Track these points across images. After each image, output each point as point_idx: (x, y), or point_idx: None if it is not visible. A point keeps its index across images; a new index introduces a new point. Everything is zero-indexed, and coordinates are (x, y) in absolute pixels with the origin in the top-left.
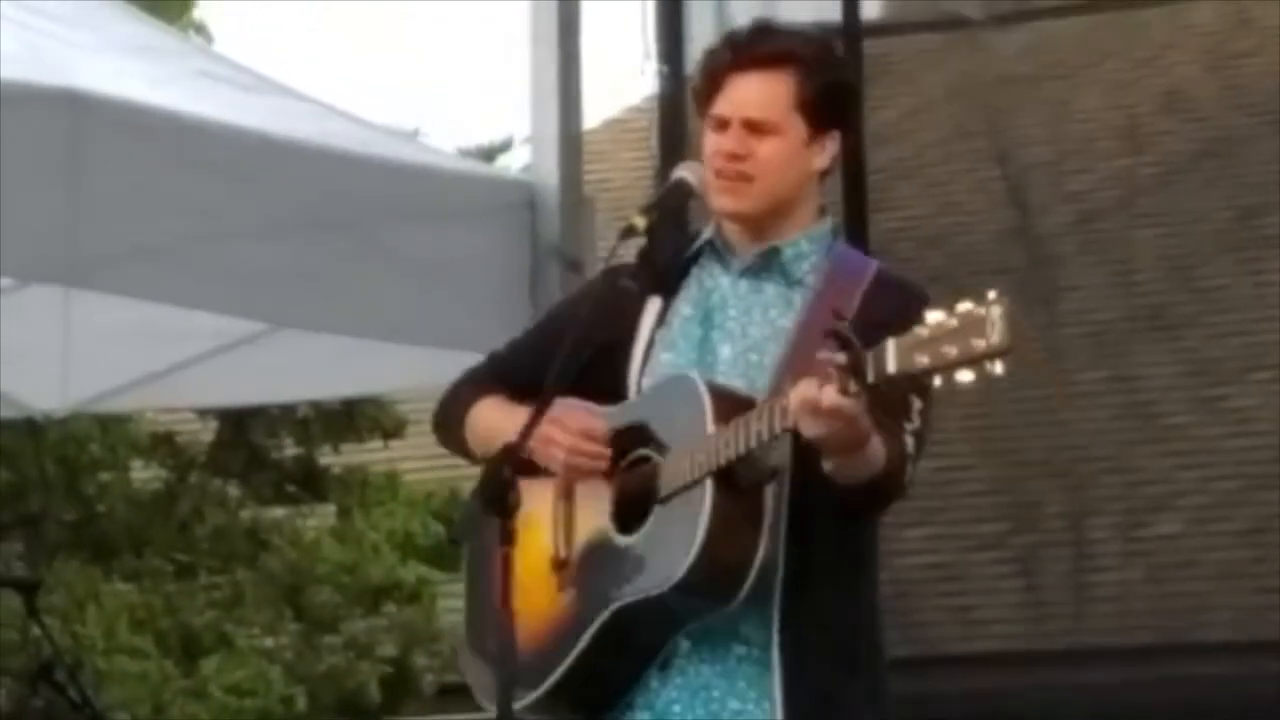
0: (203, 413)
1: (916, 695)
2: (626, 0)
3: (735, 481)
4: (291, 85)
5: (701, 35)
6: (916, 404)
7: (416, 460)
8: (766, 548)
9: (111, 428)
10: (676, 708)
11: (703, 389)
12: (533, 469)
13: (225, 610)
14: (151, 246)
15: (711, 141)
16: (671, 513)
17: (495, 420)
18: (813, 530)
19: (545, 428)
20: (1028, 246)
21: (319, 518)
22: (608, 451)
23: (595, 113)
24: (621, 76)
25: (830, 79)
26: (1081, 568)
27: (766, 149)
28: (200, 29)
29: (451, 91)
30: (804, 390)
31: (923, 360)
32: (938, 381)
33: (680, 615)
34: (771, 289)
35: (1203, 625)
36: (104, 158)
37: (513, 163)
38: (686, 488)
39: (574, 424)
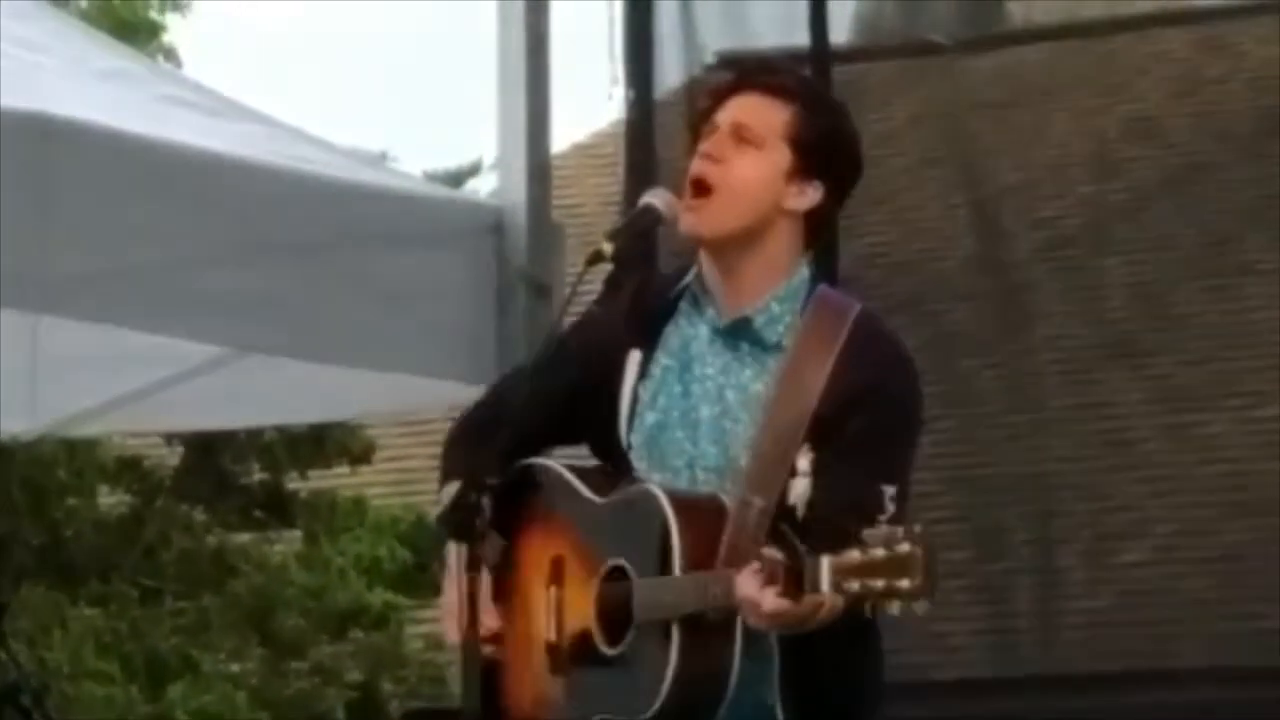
0: (169, 438)
1: None
2: (594, 24)
3: (703, 619)
4: (259, 110)
5: (670, 59)
6: (889, 491)
7: (383, 485)
8: (741, 657)
9: (78, 452)
10: None
11: (669, 514)
12: (519, 516)
13: (191, 635)
14: (119, 271)
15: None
16: (646, 640)
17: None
18: None
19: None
20: (997, 273)
21: (286, 543)
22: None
23: (563, 137)
24: (589, 102)
25: (829, 127)
26: (1050, 595)
27: (742, 161)
28: (169, 54)
29: (419, 116)
30: (745, 589)
31: (853, 587)
32: (867, 608)
33: None
34: (746, 349)
35: (1172, 653)
36: (72, 182)
37: (481, 187)
38: (656, 623)
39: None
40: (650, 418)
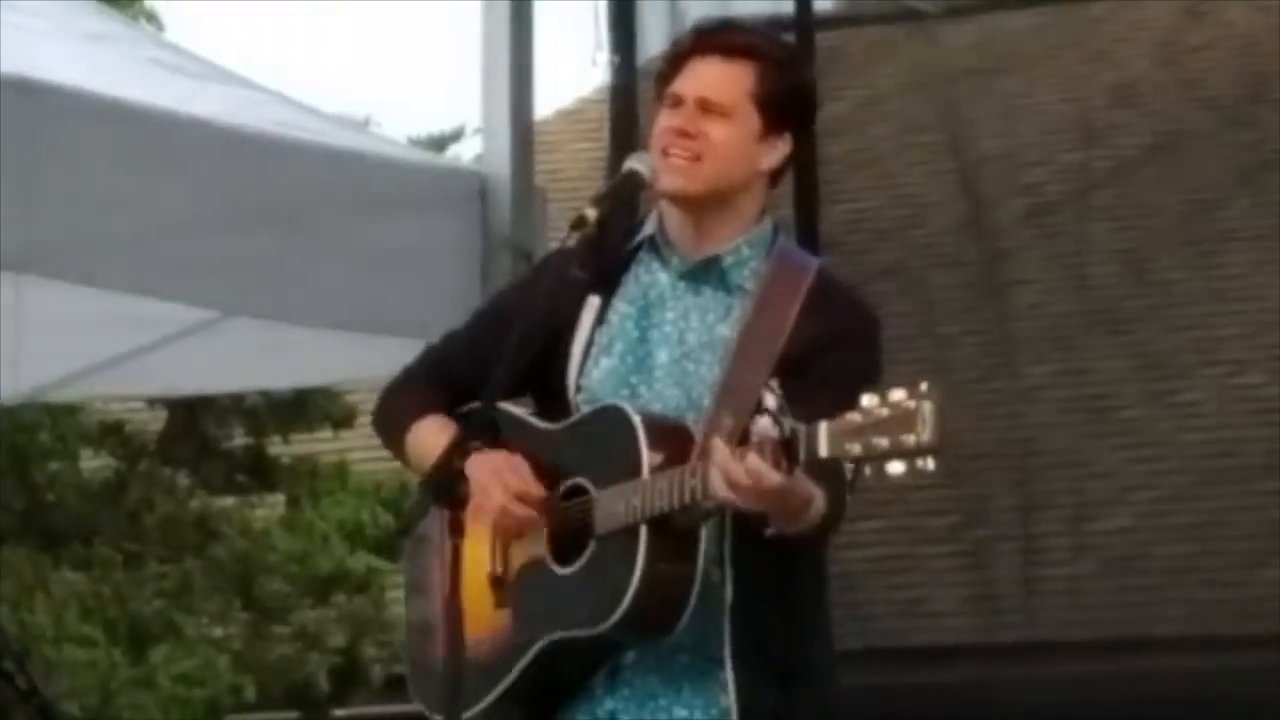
0: (152, 402)
1: (866, 688)
2: None
3: (670, 525)
4: (242, 74)
5: (654, 25)
6: None
7: (366, 450)
8: (704, 575)
9: (61, 416)
10: (623, 718)
11: (638, 426)
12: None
13: (174, 599)
14: (102, 235)
15: (663, 119)
16: (607, 550)
17: (436, 446)
18: (759, 552)
19: (486, 477)
20: (980, 239)
21: (268, 507)
22: (538, 518)
23: (547, 103)
24: (574, 67)
25: (791, 81)
26: (1032, 561)
27: (718, 131)
28: (151, 17)
29: (403, 81)
30: (728, 469)
31: (854, 449)
32: (868, 471)
33: (616, 644)
34: (709, 293)
35: (1153, 619)
36: (55, 145)
37: (464, 152)
38: (622, 529)
39: (514, 483)
40: (605, 363)
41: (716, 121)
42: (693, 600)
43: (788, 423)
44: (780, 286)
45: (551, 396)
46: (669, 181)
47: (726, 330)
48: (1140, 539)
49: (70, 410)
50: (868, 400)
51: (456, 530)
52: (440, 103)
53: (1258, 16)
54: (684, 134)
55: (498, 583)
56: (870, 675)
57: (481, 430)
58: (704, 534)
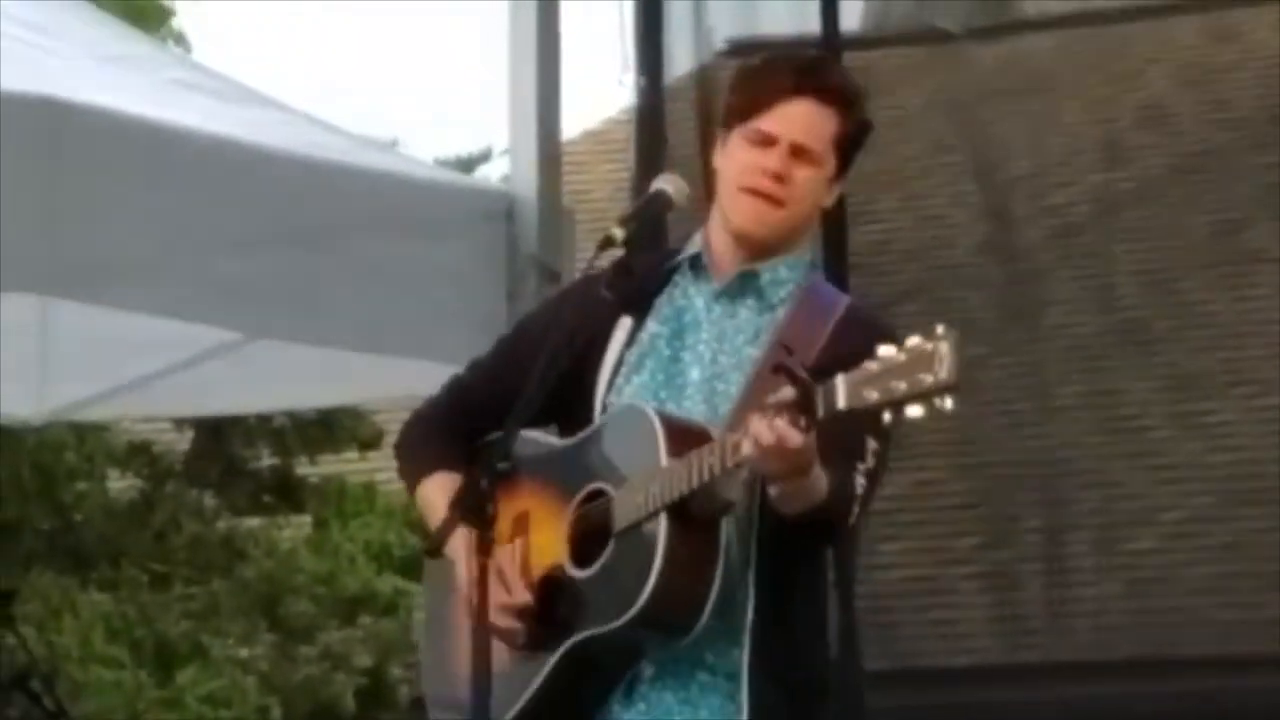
0: (179, 422)
1: (893, 709)
2: (605, 12)
3: (690, 514)
4: (270, 95)
5: (681, 46)
6: (872, 444)
7: (393, 471)
8: (724, 578)
9: (88, 437)
10: None
11: (655, 420)
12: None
13: (201, 620)
14: (129, 256)
15: (750, 156)
16: (627, 546)
17: (438, 509)
18: (780, 566)
19: (483, 575)
20: (1007, 260)
21: (295, 528)
22: (520, 629)
23: (574, 124)
24: (600, 88)
25: (862, 121)
26: (1059, 582)
27: (804, 176)
28: (179, 39)
29: (431, 102)
30: (757, 431)
31: (872, 395)
32: (887, 416)
33: (639, 646)
34: (745, 313)
35: (1180, 641)
36: (82, 167)
37: (492, 173)
38: (641, 521)
39: (502, 598)
40: (635, 380)
41: (804, 167)
42: (713, 596)
43: (803, 378)
44: (809, 315)
45: (578, 418)
46: (748, 225)
47: (754, 351)
48: (1167, 560)
49: (97, 431)
50: (884, 350)
51: (485, 550)
52: (468, 124)
53: None
54: (778, 177)
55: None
56: (897, 696)
57: (498, 467)
58: (724, 530)
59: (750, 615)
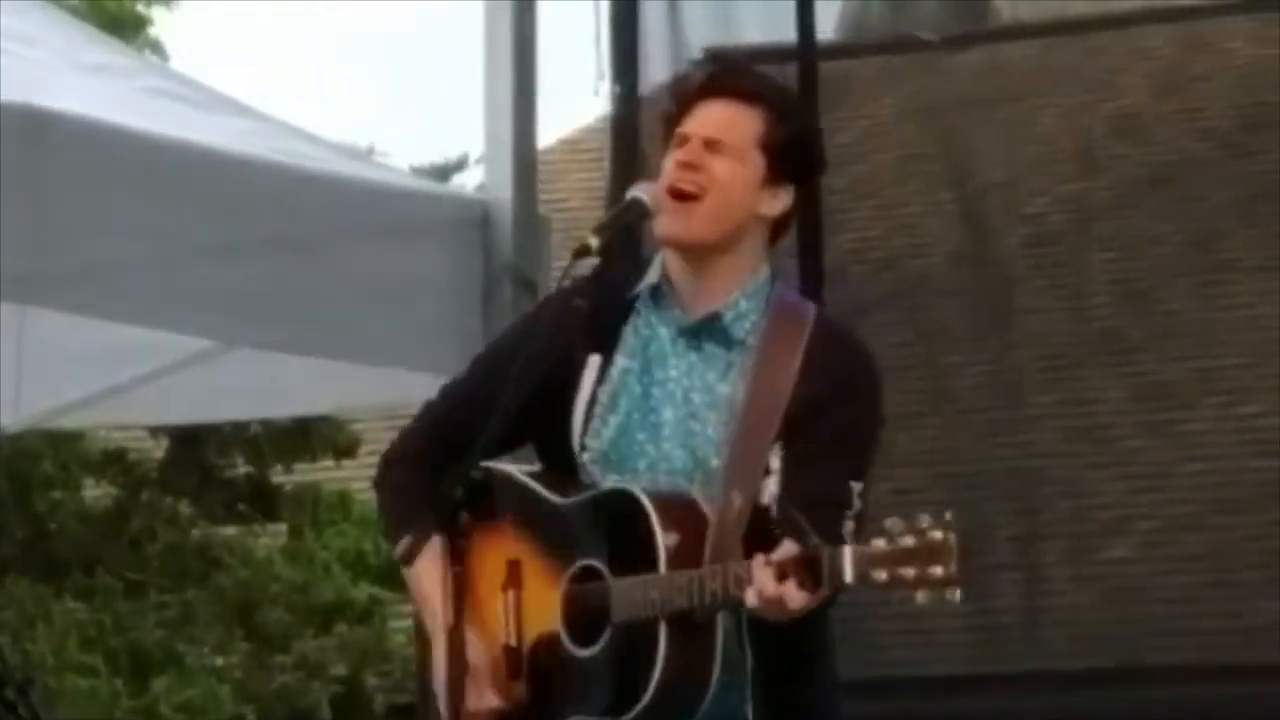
0: (154, 430)
1: (870, 716)
2: (580, 20)
3: (689, 618)
4: (246, 103)
5: (656, 55)
6: (856, 488)
7: (368, 480)
8: (724, 654)
9: (63, 445)
10: None
11: (651, 512)
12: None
13: (176, 629)
14: (106, 264)
15: (668, 159)
16: (626, 639)
17: (427, 582)
18: (770, 628)
19: (457, 585)
20: (981, 269)
21: (270, 537)
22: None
23: (550, 132)
24: (576, 96)
25: (798, 131)
26: (1033, 591)
27: (721, 167)
28: (156, 47)
29: (406, 110)
30: (762, 585)
31: (880, 576)
32: (893, 596)
33: None
34: (711, 348)
35: (1155, 649)
36: (59, 176)
37: (467, 181)
38: (640, 622)
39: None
40: (612, 421)
41: (720, 158)
42: (713, 688)
43: (812, 542)
44: (780, 342)
45: (555, 451)
46: (671, 228)
47: (727, 388)
48: (1142, 569)
49: (72, 439)
50: (892, 524)
51: (457, 559)
52: (443, 132)
53: (1258, 47)
54: (689, 166)
55: (511, 654)
56: (872, 704)
57: (472, 475)
58: (720, 619)
59: (750, 666)
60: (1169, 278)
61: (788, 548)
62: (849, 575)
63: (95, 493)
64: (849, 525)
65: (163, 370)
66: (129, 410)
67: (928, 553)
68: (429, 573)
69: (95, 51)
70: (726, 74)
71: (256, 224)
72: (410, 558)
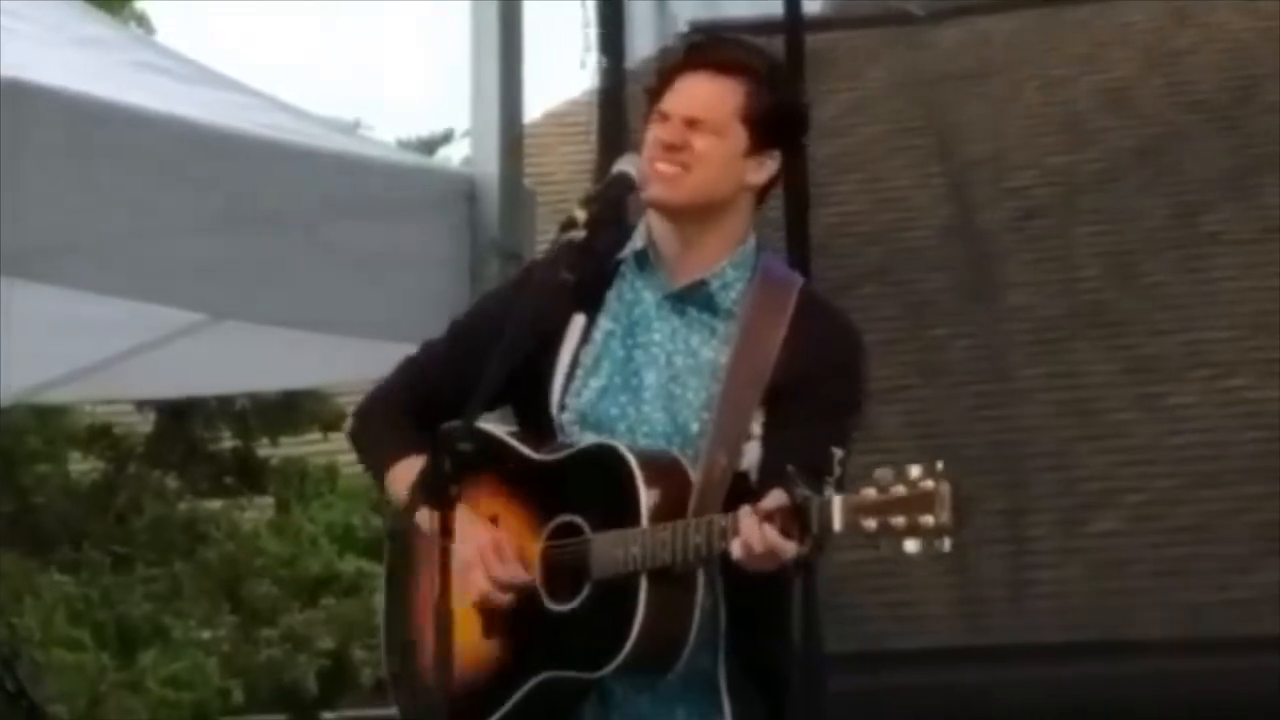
0: (141, 404)
1: (855, 690)
2: None
3: (669, 574)
4: (232, 77)
5: (643, 28)
6: (838, 454)
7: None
8: (706, 606)
9: (49, 419)
10: None
11: (634, 467)
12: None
13: (162, 602)
14: (91, 238)
15: (651, 133)
16: (605, 595)
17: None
18: (748, 581)
19: (471, 555)
20: (968, 243)
21: (257, 510)
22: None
23: (536, 106)
24: (563, 70)
25: (780, 98)
26: (1020, 564)
27: (703, 144)
28: (141, 20)
29: (392, 84)
30: (749, 536)
31: (870, 525)
32: (881, 546)
33: (613, 683)
34: (695, 314)
35: (1141, 623)
36: (44, 148)
37: (453, 155)
38: (620, 576)
39: (497, 568)
40: (593, 383)
41: (702, 136)
42: (690, 641)
43: (800, 491)
44: (766, 310)
45: (533, 411)
46: (655, 191)
47: (711, 354)
48: (1129, 542)
49: (59, 413)
50: (882, 475)
51: (446, 532)
52: (429, 106)
53: (1245, 19)
54: (671, 147)
55: (488, 611)
56: (858, 678)
57: (460, 449)
58: (700, 575)
59: (723, 622)
60: (1156, 251)
61: (775, 496)
62: (838, 523)
63: (82, 467)
64: (829, 492)
65: (149, 344)
66: (115, 384)
67: (918, 501)
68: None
69: (82, 25)
70: (706, 46)
71: (243, 198)
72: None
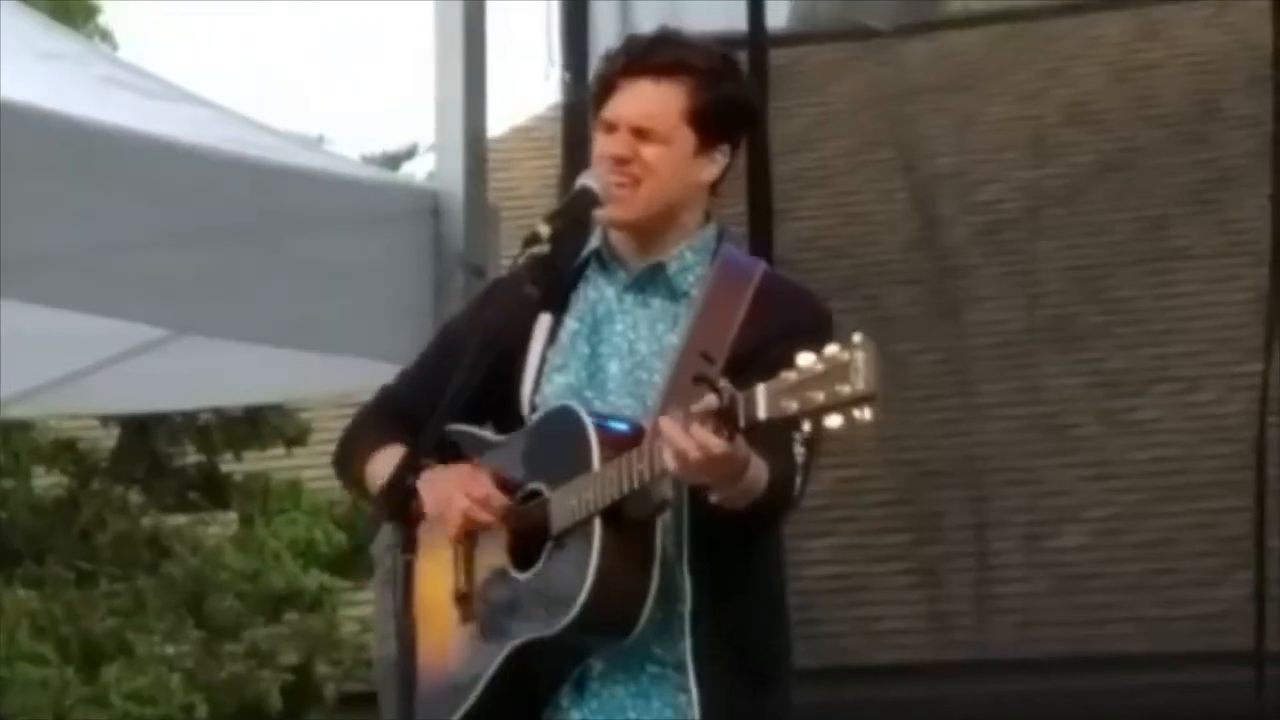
0: (105, 419)
1: (821, 705)
2: (531, 6)
3: (624, 517)
4: (196, 92)
5: (606, 42)
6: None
7: (319, 468)
8: (661, 576)
9: (13, 434)
10: None
11: (587, 422)
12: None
13: (126, 618)
14: (56, 253)
15: (599, 144)
16: (563, 550)
17: (390, 471)
18: (715, 552)
19: (448, 486)
20: (934, 257)
21: (221, 525)
22: (500, 524)
23: (500, 120)
24: (527, 84)
25: (723, 93)
26: (986, 579)
27: (653, 153)
28: (105, 35)
29: (356, 99)
30: (675, 439)
31: (791, 405)
32: (806, 427)
33: (580, 648)
34: (658, 303)
35: (1107, 637)
36: (10, 164)
37: (418, 170)
38: (576, 526)
39: (476, 490)
40: (559, 379)
41: (651, 145)
42: (651, 595)
43: (726, 390)
44: (725, 291)
45: (507, 418)
46: (610, 213)
47: (674, 338)
48: (1094, 557)
49: (22, 428)
50: (803, 359)
51: (409, 547)
52: (394, 121)
53: (1210, 35)
54: (620, 160)
55: (463, 599)
56: (824, 693)
57: (434, 448)
58: (659, 528)
59: (689, 604)
60: (1122, 265)
61: (705, 401)
62: (762, 411)
63: (46, 482)
64: (800, 450)
65: (113, 359)
66: (79, 399)
67: (836, 373)
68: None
69: (46, 39)
70: (645, 49)
71: (208, 213)
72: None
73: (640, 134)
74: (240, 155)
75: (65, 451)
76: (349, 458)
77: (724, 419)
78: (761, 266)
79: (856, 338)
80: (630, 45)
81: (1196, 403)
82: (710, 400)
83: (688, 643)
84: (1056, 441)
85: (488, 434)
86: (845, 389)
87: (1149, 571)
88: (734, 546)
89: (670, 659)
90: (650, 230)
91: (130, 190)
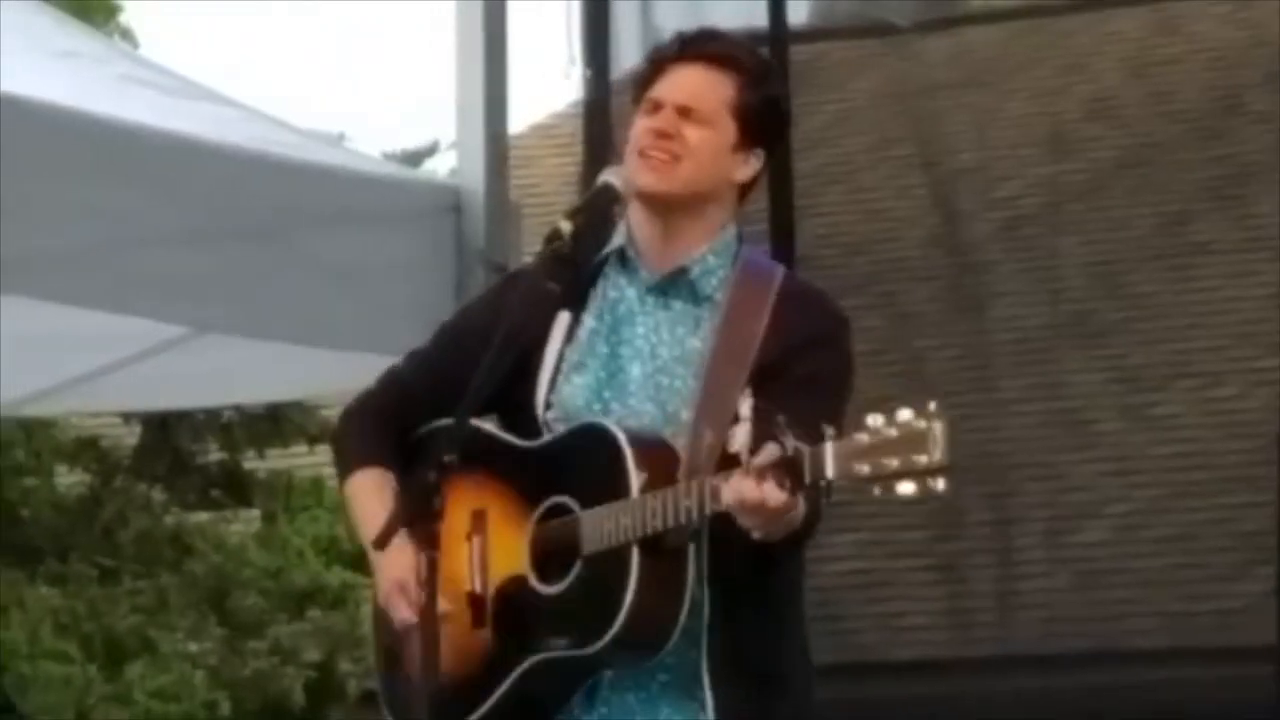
0: (127, 417)
1: (843, 701)
2: (552, 5)
3: (660, 545)
4: (217, 90)
5: (627, 39)
6: (830, 432)
7: None
8: (692, 594)
9: (36, 432)
10: None
11: (625, 446)
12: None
13: (149, 615)
14: (76, 251)
15: (641, 123)
16: (596, 571)
17: (368, 510)
18: (735, 563)
19: (389, 586)
20: (953, 253)
21: (243, 522)
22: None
23: (521, 118)
24: (548, 82)
25: (768, 94)
26: (1007, 575)
27: (696, 135)
28: (126, 34)
29: (377, 96)
30: (741, 490)
31: (863, 469)
32: (877, 491)
33: (604, 665)
34: (680, 305)
35: (1128, 632)
36: (28, 162)
37: (439, 168)
38: (612, 550)
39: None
40: (577, 379)
41: (694, 126)
42: (682, 618)
43: (790, 443)
44: (748, 296)
45: (518, 413)
46: (645, 180)
47: (697, 343)
48: (1115, 552)
49: (45, 426)
50: (873, 420)
51: (432, 543)
52: (414, 118)
53: (1229, 30)
54: (663, 134)
55: (476, 601)
56: (846, 689)
57: (445, 460)
58: (692, 555)
59: (707, 615)
60: (1142, 261)
61: (768, 451)
62: (830, 470)
63: (68, 480)
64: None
65: (134, 357)
66: (101, 397)
67: (911, 441)
68: (398, 560)
69: (66, 38)
70: (699, 38)
71: (228, 210)
72: (384, 542)
73: (685, 113)
74: (261, 153)
75: (87, 449)
76: (341, 448)
77: (789, 473)
78: (781, 270)
79: (932, 405)
80: (685, 35)
81: (1217, 398)
82: (772, 451)
83: (704, 652)
84: (1077, 437)
85: (506, 436)
86: (922, 459)
87: (1170, 566)
88: (755, 564)
89: (682, 669)
90: (678, 216)
91: (151, 188)
